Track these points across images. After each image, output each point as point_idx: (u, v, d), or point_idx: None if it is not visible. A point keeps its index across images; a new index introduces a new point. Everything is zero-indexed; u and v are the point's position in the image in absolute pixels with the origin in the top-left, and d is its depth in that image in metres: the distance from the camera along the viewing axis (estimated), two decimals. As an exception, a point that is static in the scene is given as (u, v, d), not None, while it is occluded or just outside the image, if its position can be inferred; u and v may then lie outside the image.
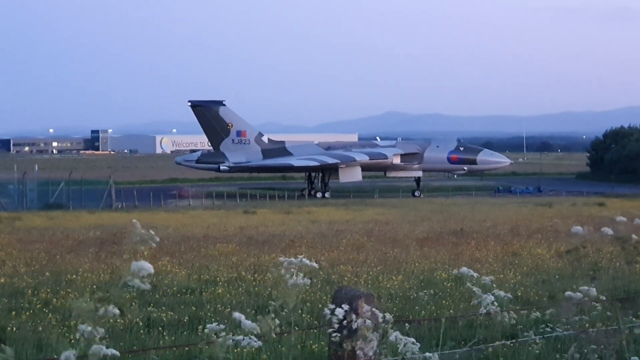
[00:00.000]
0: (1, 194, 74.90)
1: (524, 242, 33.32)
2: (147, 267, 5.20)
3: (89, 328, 5.01)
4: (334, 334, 6.03)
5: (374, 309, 6.16)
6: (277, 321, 5.82)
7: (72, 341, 14.99)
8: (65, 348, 5.09)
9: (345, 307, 5.99)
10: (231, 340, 5.60)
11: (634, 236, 7.70)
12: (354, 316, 6.01)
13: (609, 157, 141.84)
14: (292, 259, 6.10)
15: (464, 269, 6.66)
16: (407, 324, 13.28)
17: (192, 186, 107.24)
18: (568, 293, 7.32)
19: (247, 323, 5.73)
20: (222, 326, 5.75)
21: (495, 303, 6.62)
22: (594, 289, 7.34)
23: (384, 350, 6.84)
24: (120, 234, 37.33)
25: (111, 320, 16.37)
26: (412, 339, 5.97)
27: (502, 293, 6.52)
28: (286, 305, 6.12)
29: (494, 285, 6.73)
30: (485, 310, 6.52)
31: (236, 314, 5.89)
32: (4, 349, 4.77)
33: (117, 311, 5.17)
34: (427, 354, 6.29)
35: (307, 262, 6.06)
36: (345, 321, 6.05)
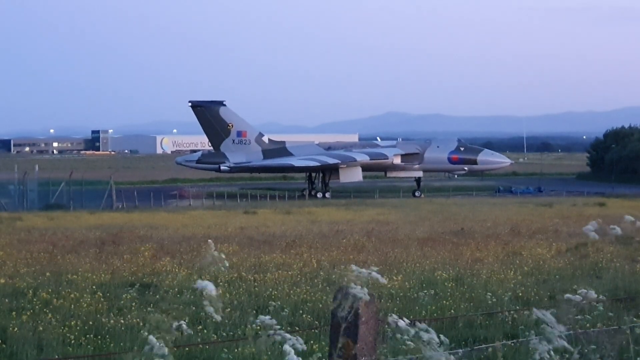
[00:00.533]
0: (2, 194, 74.88)
1: (524, 242, 33.31)
2: (211, 287, 5.18)
3: (156, 341, 5.04)
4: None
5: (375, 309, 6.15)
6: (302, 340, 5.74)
7: (66, 343, 14.98)
8: (57, 347, 5.10)
9: (347, 307, 5.98)
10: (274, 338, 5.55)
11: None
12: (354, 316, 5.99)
13: (609, 157, 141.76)
14: (363, 270, 5.96)
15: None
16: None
17: (192, 186, 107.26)
18: (567, 295, 7.29)
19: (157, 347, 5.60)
20: (274, 320, 5.68)
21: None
22: (593, 292, 7.31)
23: (385, 350, 6.84)
24: (120, 234, 37.34)
25: (112, 321, 16.39)
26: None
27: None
28: (287, 301, 6.09)
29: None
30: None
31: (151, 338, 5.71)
32: None
33: (189, 330, 5.20)
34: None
35: (379, 277, 5.94)
36: (346, 321, 6.04)
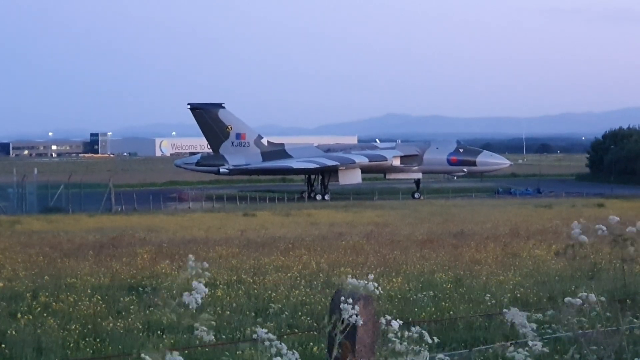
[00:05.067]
0: (1, 198, 74.84)
1: (523, 243, 33.31)
2: (202, 289, 5.18)
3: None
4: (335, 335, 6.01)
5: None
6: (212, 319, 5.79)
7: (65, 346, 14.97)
8: (57, 350, 5.12)
9: (347, 309, 5.98)
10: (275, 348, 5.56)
11: (630, 228, 7.68)
12: (354, 318, 5.99)
13: (608, 158, 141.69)
14: (361, 281, 5.96)
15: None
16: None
17: (191, 189, 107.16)
18: (568, 299, 7.29)
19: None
20: (270, 334, 5.69)
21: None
22: (593, 295, 7.31)
23: (385, 352, 6.83)
24: (119, 237, 37.33)
25: (111, 324, 16.39)
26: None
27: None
28: (286, 303, 6.11)
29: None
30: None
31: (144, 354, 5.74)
32: None
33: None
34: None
35: (373, 287, 5.93)
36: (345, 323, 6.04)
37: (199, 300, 5.16)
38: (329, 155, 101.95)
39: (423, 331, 5.83)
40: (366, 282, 6.00)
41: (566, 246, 7.85)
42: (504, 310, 6.79)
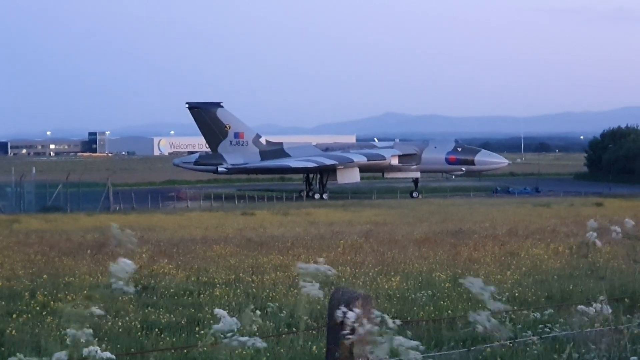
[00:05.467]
0: (-1, 197, 74.85)
1: (522, 242, 33.31)
2: (130, 266, 5.11)
3: (75, 331, 4.99)
4: (346, 337, 5.99)
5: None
6: (259, 312, 5.77)
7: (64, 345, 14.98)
8: (56, 350, 5.08)
9: (343, 309, 5.97)
10: (237, 342, 5.54)
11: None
12: (353, 318, 5.98)
13: (606, 157, 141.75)
14: (310, 265, 5.99)
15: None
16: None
17: (190, 188, 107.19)
18: (581, 307, 7.26)
19: (228, 319, 5.68)
20: (229, 326, 5.69)
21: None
22: (608, 307, 7.29)
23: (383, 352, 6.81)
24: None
25: (109, 323, 16.38)
26: (417, 343, 5.91)
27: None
28: (284, 302, 6.09)
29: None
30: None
31: (217, 311, 5.83)
32: None
33: (100, 312, 5.15)
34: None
35: (328, 268, 5.96)
36: (343, 323, 6.03)
37: (133, 266, 5.12)
38: (327, 154, 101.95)
39: (384, 315, 5.82)
40: (319, 265, 6.07)
41: (580, 243, 7.84)
42: (460, 280, 6.75)
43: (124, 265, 5.08)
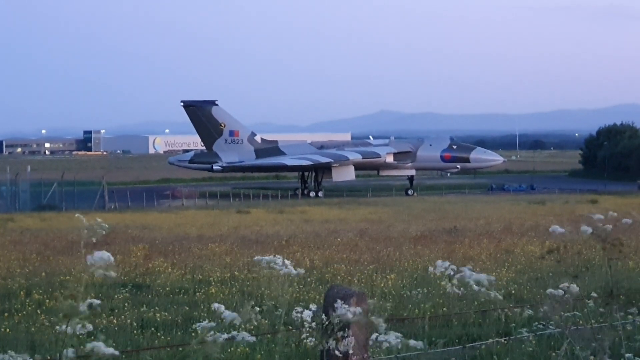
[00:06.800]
0: (-6, 196, 74.75)
1: (517, 239, 33.36)
2: (106, 256, 5.16)
3: (75, 325, 5.00)
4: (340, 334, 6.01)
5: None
6: (257, 308, 5.77)
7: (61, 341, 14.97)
8: (59, 347, 5.09)
9: (341, 305, 5.98)
10: (222, 338, 5.55)
11: (609, 227, 7.67)
12: (349, 315, 5.99)
13: (601, 154, 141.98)
14: (272, 257, 6.06)
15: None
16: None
17: (185, 186, 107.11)
18: (550, 290, 7.29)
19: (228, 313, 5.69)
20: (213, 323, 5.71)
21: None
22: (575, 286, 7.32)
23: (377, 349, 6.83)
24: (113, 235, 37.29)
25: (105, 321, 16.38)
26: (398, 334, 5.94)
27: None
28: (280, 299, 6.10)
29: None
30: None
31: (215, 305, 5.84)
32: None
33: (98, 301, 5.17)
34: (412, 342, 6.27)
35: (288, 264, 6.03)
36: (338, 321, 6.04)
37: (111, 258, 5.16)
38: (322, 152, 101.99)
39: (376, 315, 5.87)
40: (275, 257, 6.17)
41: (552, 247, 7.87)
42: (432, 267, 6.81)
43: (101, 256, 5.12)
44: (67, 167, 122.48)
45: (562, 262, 22.73)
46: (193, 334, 15.37)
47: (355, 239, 34.73)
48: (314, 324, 5.97)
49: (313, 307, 6.18)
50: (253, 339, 5.65)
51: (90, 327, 5.10)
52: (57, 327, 5.06)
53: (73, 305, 4.88)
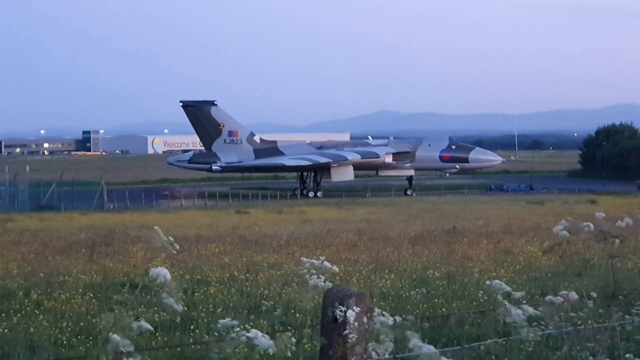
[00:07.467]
0: (-7, 196, 74.75)
1: (516, 239, 33.35)
2: (165, 273, 5.07)
3: (119, 338, 4.95)
4: (350, 336, 6.00)
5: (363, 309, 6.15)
6: (294, 340, 5.65)
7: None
8: (48, 349, 5.07)
9: (342, 308, 5.98)
10: (244, 337, 5.46)
11: (620, 222, 7.67)
12: (349, 316, 5.99)
13: (600, 154, 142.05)
14: (314, 260, 6.03)
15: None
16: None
17: (184, 186, 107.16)
18: (549, 297, 7.29)
19: (263, 341, 5.43)
20: (235, 321, 5.61)
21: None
22: (574, 293, 7.31)
23: (376, 348, 6.83)
24: (112, 235, 37.28)
25: (104, 322, 16.36)
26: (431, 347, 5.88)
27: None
28: (303, 306, 6.05)
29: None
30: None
31: (252, 333, 5.58)
32: None
33: (149, 326, 5.10)
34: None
35: (328, 264, 6.00)
36: (338, 321, 6.04)
37: (168, 275, 5.10)
38: (321, 152, 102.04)
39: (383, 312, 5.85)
40: (321, 261, 6.13)
41: (553, 244, 7.86)
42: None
43: (158, 272, 5.04)
44: (66, 167, 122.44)
45: (564, 258, 22.72)
46: (191, 335, 15.38)
47: (354, 239, 34.71)
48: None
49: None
50: (271, 342, 5.50)
51: (130, 345, 5.02)
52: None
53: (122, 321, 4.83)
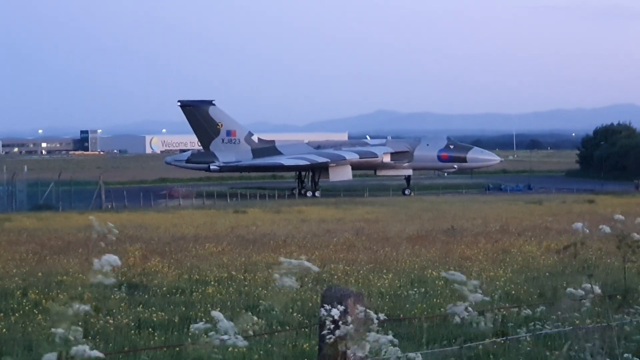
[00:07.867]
0: (-10, 195, 74.67)
1: (514, 239, 33.36)
2: (113, 259, 5.12)
3: (62, 330, 4.94)
4: (327, 336, 5.99)
5: (363, 309, 6.14)
6: (255, 318, 5.74)
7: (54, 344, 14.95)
8: (45, 350, 5.05)
9: (340, 307, 5.97)
10: (218, 340, 5.52)
11: (635, 235, 7.66)
12: (349, 317, 5.98)
13: (598, 154, 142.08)
14: (293, 260, 6.04)
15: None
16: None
17: (182, 186, 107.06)
18: (569, 290, 7.29)
19: (225, 323, 5.64)
20: (208, 325, 5.68)
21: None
22: (597, 287, 7.33)
23: (375, 348, 6.82)
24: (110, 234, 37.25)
25: (101, 322, 16.35)
26: (390, 337, 5.93)
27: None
28: (276, 306, 6.08)
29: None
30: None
31: (214, 313, 5.81)
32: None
33: (87, 308, 5.12)
34: (410, 354, 6.28)
35: (308, 264, 6.01)
36: (335, 321, 6.03)
37: (118, 262, 5.15)
38: (319, 152, 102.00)
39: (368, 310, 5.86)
40: (300, 261, 6.15)
41: (569, 243, 7.84)
42: (443, 273, 6.92)
43: (109, 259, 5.09)
44: (64, 166, 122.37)
45: (565, 260, 22.70)
46: (189, 334, 15.37)
47: (352, 238, 34.72)
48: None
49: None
50: (246, 343, 5.61)
51: (80, 329, 5.04)
52: (52, 330, 5.01)
53: (64, 311, 4.83)
